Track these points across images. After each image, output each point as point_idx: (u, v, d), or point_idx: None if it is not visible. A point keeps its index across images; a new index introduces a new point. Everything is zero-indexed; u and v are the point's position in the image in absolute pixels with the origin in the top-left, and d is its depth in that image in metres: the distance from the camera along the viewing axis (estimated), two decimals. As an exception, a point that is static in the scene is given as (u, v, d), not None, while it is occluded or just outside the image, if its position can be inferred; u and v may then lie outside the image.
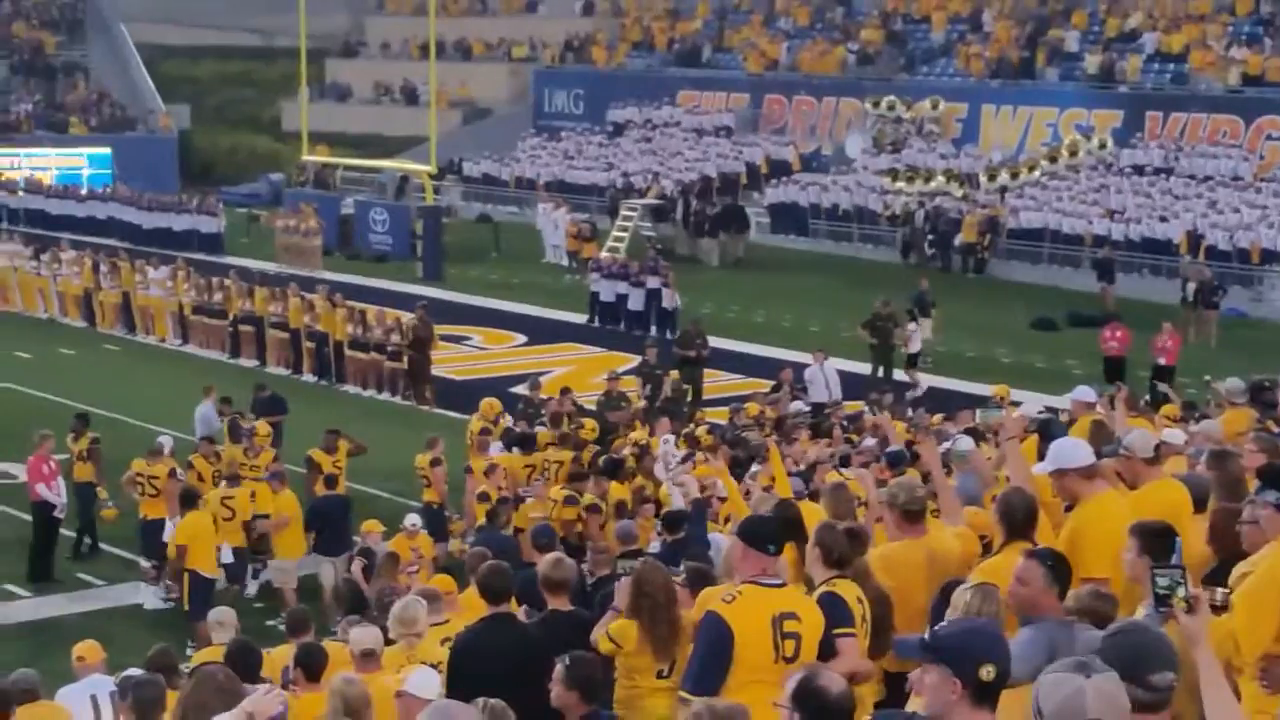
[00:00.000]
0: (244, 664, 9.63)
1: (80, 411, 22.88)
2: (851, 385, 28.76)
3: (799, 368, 28.64)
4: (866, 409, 24.28)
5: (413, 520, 17.70)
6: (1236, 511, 8.33)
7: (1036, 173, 48.20)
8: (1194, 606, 5.38)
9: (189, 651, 16.72)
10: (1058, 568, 7.02)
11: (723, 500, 15.24)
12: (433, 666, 10.23)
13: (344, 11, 73.11)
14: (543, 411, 23.63)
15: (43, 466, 20.05)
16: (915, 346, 32.04)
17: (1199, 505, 9.23)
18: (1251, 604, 6.78)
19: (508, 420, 23.13)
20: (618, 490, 18.24)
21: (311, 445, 21.42)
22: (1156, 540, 7.37)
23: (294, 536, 19.08)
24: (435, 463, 20.44)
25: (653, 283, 36.90)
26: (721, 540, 12.71)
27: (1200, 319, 36.38)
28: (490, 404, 23.15)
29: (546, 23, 70.21)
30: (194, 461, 20.77)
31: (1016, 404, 17.21)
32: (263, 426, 22.04)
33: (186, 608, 17.56)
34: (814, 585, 8.28)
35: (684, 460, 18.93)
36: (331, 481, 19.66)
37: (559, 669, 7.69)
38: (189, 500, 18.13)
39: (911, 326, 32.28)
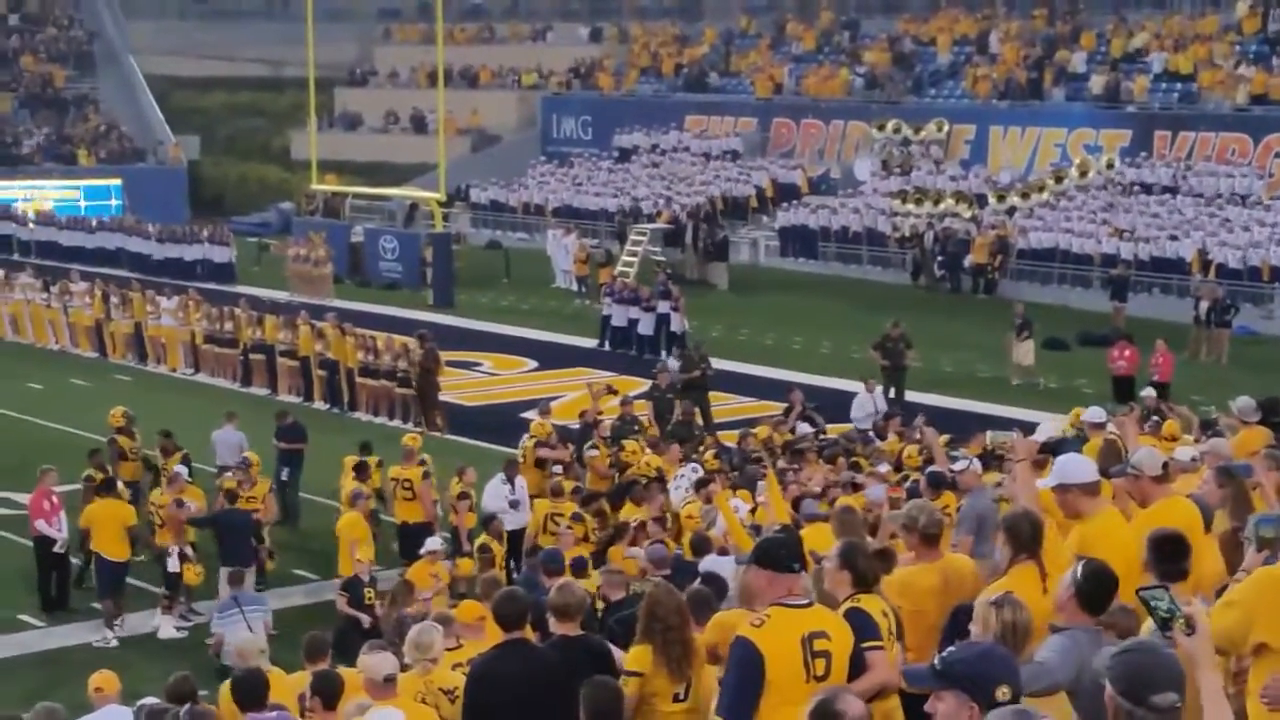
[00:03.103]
0: (248, 694, 9.63)
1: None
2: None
3: (813, 390, 28.63)
4: (917, 424, 24.23)
5: (433, 544, 17.73)
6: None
7: (1045, 194, 48.25)
8: (1194, 628, 5.37)
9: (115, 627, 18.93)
10: (1090, 576, 7.05)
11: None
12: (448, 693, 10.28)
13: (352, 41, 73.34)
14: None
15: (43, 502, 20.16)
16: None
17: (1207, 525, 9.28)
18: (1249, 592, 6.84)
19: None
20: (630, 513, 18.24)
21: (324, 473, 21.52)
22: (1160, 548, 7.43)
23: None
24: (463, 496, 20.45)
25: (663, 307, 36.98)
26: (723, 564, 12.74)
27: (1213, 338, 36.37)
28: (540, 425, 23.40)
29: (554, 50, 70.40)
30: (226, 484, 20.79)
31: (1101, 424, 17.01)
32: (253, 456, 22.12)
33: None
34: (836, 604, 8.30)
35: (700, 486, 18.94)
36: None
37: (581, 694, 7.72)
38: (106, 488, 19.91)
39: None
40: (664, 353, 35.62)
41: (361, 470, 21.18)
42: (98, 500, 19.93)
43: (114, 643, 19.06)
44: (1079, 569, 7.13)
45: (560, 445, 22.73)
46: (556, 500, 19.30)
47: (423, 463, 21.48)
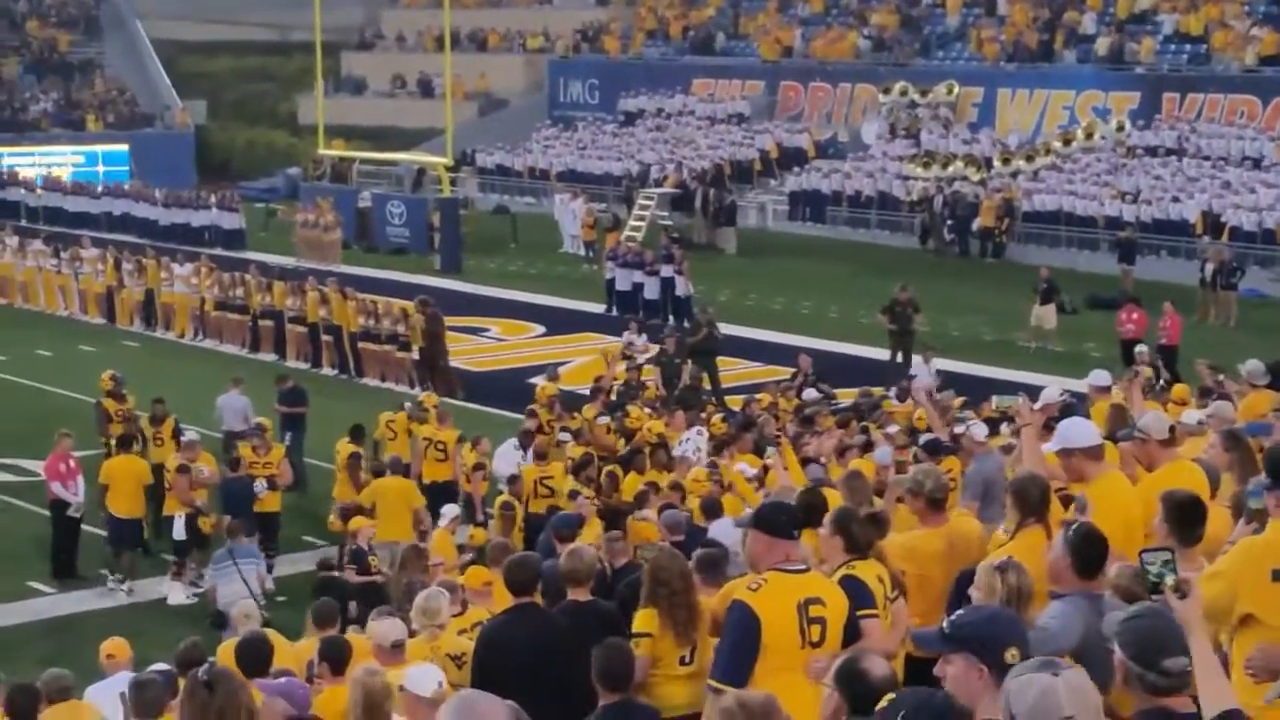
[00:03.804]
0: (252, 659, 9.68)
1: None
2: (872, 371, 28.84)
3: (822, 355, 28.62)
4: (896, 394, 24.30)
5: (450, 511, 17.78)
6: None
7: (1051, 156, 48.14)
8: (1185, 592, 5.37)
9: (110, 582, 19.45)
10: (1079, 541, 7.07)
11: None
12: (456, 658, 10.33)
13: (359, 4, 73.13)
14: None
15: (60, 465, 20.27)
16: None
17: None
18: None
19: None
20: (634, 481, 18.24)
21: (330, 438, 21.59)
22: (1182, 511, 7.43)
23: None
24: (478, 467, 20.52)
25: (667, 271, 36.97)
26: (729, 529, 12.75)
27: (1219, 300, 36.33)
28: (544, 388, 23.73)
29: (561, 13, 70.21)
30: (241, 450, 20.85)
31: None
32: (266, 422, 22.24)
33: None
34: (831, 570, 8.34)
35: (716, 450, 18.98)
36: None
37: (594, 654, 7.77)
38: (123, 444, 20.41)
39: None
40: (671, 317, 35.63)
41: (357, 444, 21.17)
42: (116, 456, 20.42)
43: (125, 590, 19.48)
44: (1069, 534, 7.15)
45: (563, 411, 22.80)
46: (541, 464, 19.42)
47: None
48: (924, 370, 27.30)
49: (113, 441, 21.33)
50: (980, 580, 7.34)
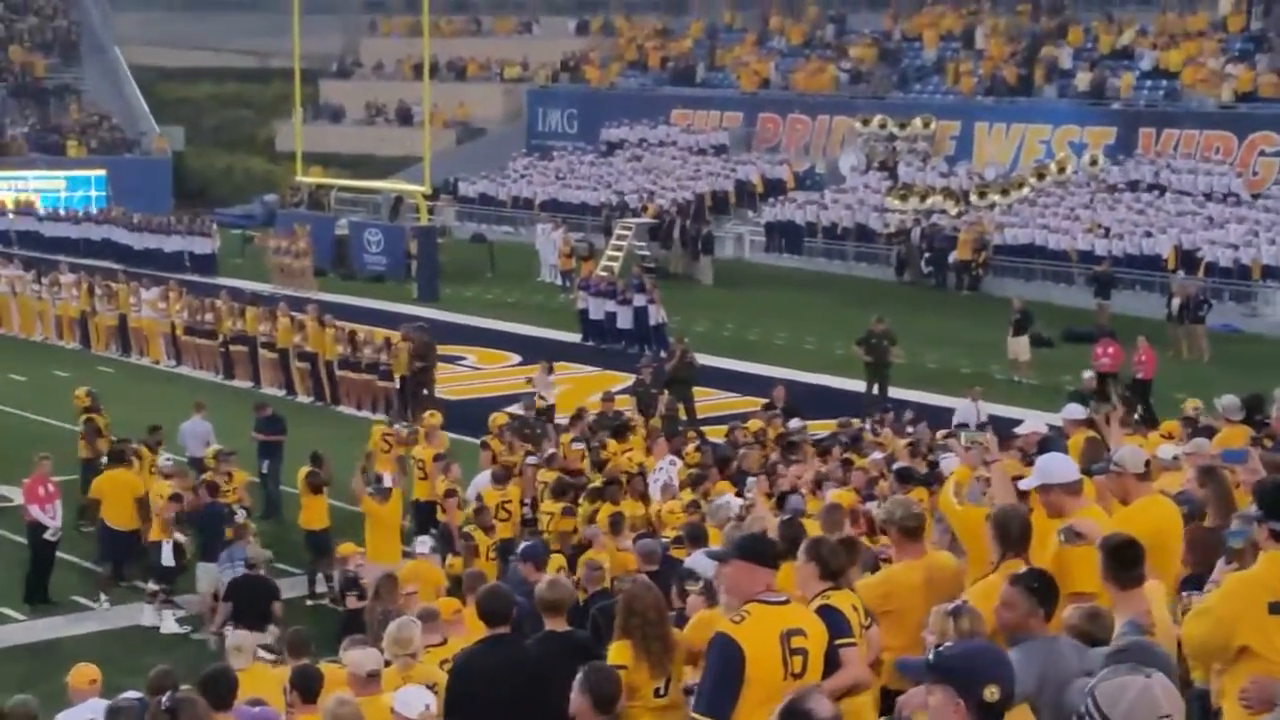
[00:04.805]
0: (215, 691, 9.61)
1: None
2: (847, 403, 28.83)
3: (798, 386, 28.55)
4: (868, 427, 24.31)
5: (423, 544, 17.72)
6: (1207, 530, 8.49)
7: (1026, 189, 48.33)
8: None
9: (102, 602, 19.54)
10: (1040, 590, 7.06)
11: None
12: (430, 688, 10.27)
13: (338, 32, 73.25)
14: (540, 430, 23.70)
15: (39, 489, 20.21)
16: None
17: (1190, 521, 9.31)
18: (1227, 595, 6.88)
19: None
20: (608, 510, 18.19)
21: (305, 465, 21.51)
22: (1119, 554, 7.43)
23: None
24: (450, 494, 20.49)
25: (639, 300, 37.01)
26: (703, 560, 12.72)
27: (1189, 334, 36.41)
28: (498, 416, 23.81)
29: (540, 43, 70.36)
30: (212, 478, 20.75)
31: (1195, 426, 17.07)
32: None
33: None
34: (807, 600, 8.31)
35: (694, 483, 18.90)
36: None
37: (579, 675, 7.71)
38: (116, 458, 20.79)
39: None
40: (646, 346, 35.64)
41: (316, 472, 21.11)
42: (108, 470, 20.72)
43: (107, 606, 19.65)
44: (1026, 583, 7.09)
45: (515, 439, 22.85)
46: (500, 488, 19.67)
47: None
48: (971, 410, 26.06)
49: (103, 457, 21.41)
50: (933, 624, 7.33)
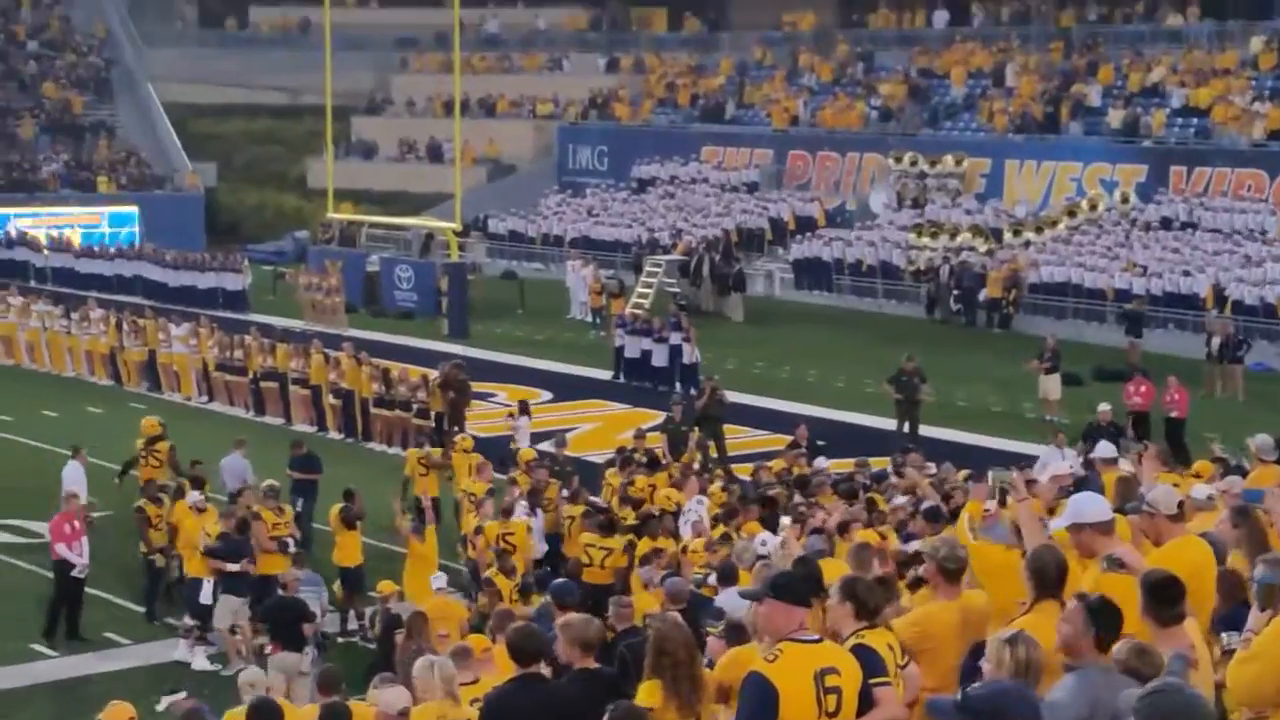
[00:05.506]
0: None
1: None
2: (878, 441, 28.74)
3: (827, 424, 28.46)
4: (892, 468, 24.17)
5: (438, 581, 17.73)
6: (1228, 571, 8.50)
7: (1060, 228, 48.26)
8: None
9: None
10: (1099, 613, 7.03)
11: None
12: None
13: (369, 69, 73.52)
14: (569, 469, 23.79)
15: (65, 526, 20.26)
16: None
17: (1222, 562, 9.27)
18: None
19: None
20: (645, 545, 18.29)
21: (336, 502, 21.54)
22: (1158, 592, 7.40)
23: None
24: (478, 531, 20.51)
25: (675, 338, 36.99)
26: (734, 599, 12.68)
27: (1226, 374, 36.28)
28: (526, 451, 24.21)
29: (571, 80, 70.57)
30: (260, 513, 20.74)
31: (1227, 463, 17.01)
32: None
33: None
34: (842, 639, 8.28)
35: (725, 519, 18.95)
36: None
37: (606, 715, 7.68)
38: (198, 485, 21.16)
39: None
40: (678, 384, 35.61)
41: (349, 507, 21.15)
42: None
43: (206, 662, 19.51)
44: (1088, 604, 7.10)
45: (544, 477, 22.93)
46: (504, 521, 20.12)
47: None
48: (1056, 456, 24.36)
49: (187, 483, 21.58)
50: (990, 653, 7.29)
